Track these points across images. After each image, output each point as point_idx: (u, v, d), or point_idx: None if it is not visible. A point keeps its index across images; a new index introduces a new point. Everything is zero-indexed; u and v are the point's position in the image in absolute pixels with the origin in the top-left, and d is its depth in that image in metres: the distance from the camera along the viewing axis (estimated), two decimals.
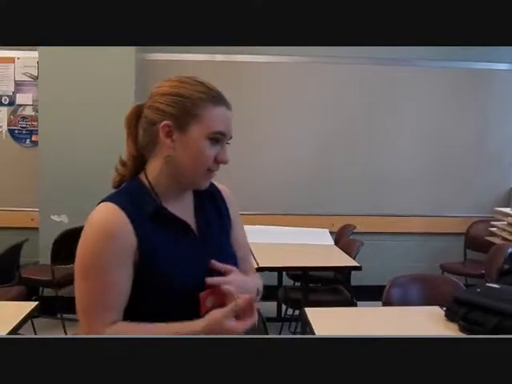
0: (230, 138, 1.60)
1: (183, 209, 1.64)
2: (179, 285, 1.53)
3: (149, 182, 1.60)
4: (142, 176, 1.62)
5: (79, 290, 1.51)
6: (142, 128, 1.61)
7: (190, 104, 1.53)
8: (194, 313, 1.54)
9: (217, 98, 1.56)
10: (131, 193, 1.58)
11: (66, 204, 5.37)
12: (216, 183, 1.77)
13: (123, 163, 1.66)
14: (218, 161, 1.57)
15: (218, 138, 1.55)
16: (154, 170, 1.60)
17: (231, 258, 1.72)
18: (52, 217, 5.39)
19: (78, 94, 5.35)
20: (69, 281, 4.87)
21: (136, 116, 1.63)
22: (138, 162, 1.64)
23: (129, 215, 1.50)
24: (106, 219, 1.50)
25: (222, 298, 1.60)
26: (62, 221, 5.36)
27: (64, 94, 5.35)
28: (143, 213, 1.54)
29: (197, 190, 1.67)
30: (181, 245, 1.57)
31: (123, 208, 1.51)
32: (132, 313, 1.53)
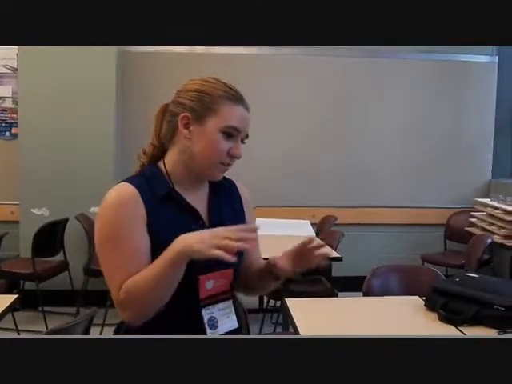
0: (247, 136, 1.69)
1: (197, 198, 1.73)
2: (185, 271, 1.58)
3: (165, 168, 1.71)
4: (160, 163, 1.73)
5: (103, 260, 1.60)
6: (165, 120, 1.73)
7: (209, 99, 1.64)
8: (195, 295, 1.63)
9: (235, 97, 1.66)
10: (147, 176, 1.69)
11: (46, 197, 5.35)
12: (238, 184, 1.91)
13: (144, 152, 1.77)
14: (231, 155, 1.65)
15: (232, 133, 1.64)
16: (171, 158, 1.71)
17: (237, 252, 1.77)
18: (32, 210, 5.36)
19: (59, 86, 5.32)
20: (50, 274, 4.87)
21: (163, 112, 1.74)
22: (158, 150, 1.75)
23: (141, 193, 1.62)
24: (119, 193, 1.62)
25: (222, 283, 1.68)
26: (43, 214, 5.33)
27: (44, 86, 5.32)
28: (155, 194, 1.64)
29: (212, 181, 1.77)
30: (189, 229, 1.60)
31: (137, 187, 1.62)
32: None
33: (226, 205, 1.81)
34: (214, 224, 1.70)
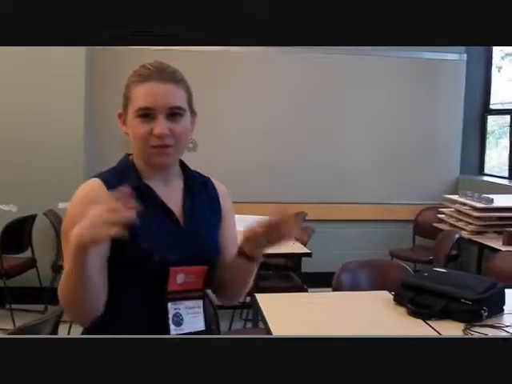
0: (180, 109, 1.62)
1: (170, 193, 1.70)
2: (155, 262, 1.58)
3: (133, 161, 1.70)
4: (131, 155, 1.72)
5: (63, 250, 1.55)
6: None
7: (126, 90, 1.65)
8: (163, 286, 1.60)
9: (142, 76, 1.62)
10: (119, 169, 1.69)
11: (14, 193, 5.27)
12: (214, 180, 1.85)
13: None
14: (154, 135, 1.58)
15: (146, 114, 1.58)
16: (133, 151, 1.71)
17: (214, 248, 1.74)
18: (0, 206, 5.29)
19: (25, 80, 5.25)
20: (17, 271, 4.80)
21: None
22: None
23: (110, 190, 1.53)
24: (87, 190, 1.61)
25: (193, 279, 1.63)
26: (11, 210, 5.25)
27: (10, 80, 5.25)
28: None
29: (186, 176, 1.75)
30: (161, 224, 1.63)
31: (108, 183, 1.60)
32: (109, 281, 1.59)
33: (202, 200, 1.76)
34: (187, 218, 1.69)
